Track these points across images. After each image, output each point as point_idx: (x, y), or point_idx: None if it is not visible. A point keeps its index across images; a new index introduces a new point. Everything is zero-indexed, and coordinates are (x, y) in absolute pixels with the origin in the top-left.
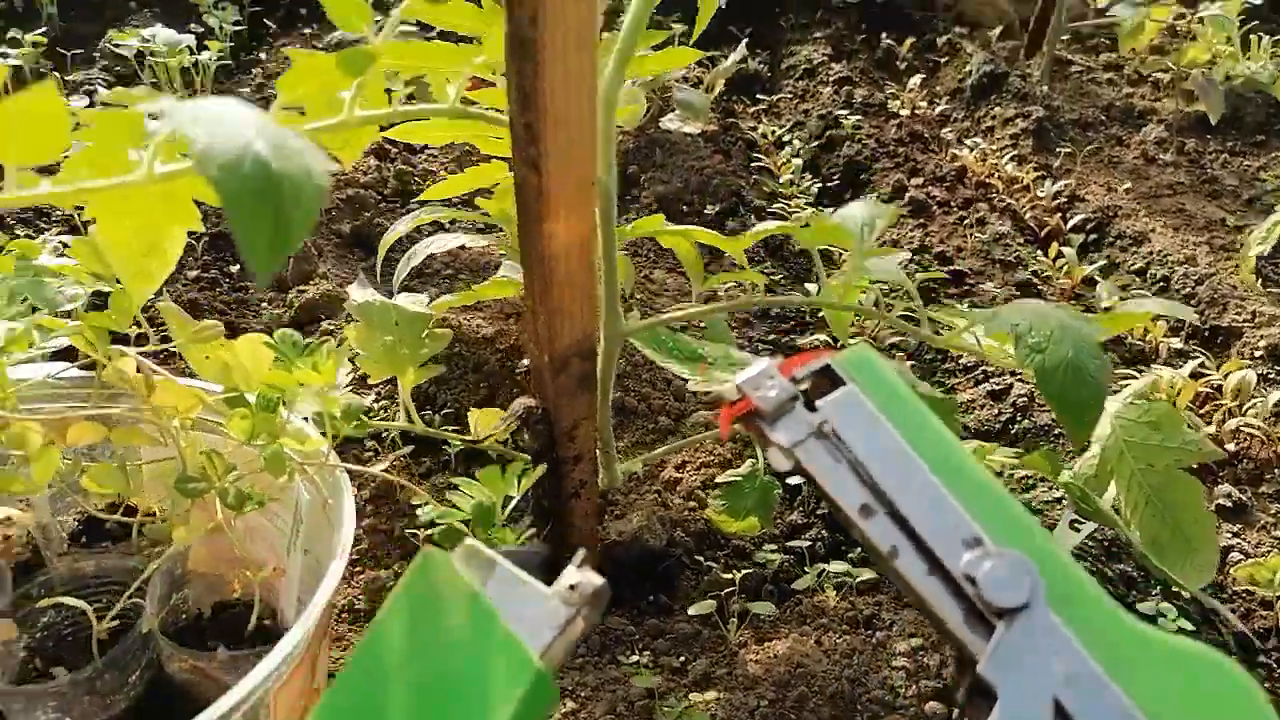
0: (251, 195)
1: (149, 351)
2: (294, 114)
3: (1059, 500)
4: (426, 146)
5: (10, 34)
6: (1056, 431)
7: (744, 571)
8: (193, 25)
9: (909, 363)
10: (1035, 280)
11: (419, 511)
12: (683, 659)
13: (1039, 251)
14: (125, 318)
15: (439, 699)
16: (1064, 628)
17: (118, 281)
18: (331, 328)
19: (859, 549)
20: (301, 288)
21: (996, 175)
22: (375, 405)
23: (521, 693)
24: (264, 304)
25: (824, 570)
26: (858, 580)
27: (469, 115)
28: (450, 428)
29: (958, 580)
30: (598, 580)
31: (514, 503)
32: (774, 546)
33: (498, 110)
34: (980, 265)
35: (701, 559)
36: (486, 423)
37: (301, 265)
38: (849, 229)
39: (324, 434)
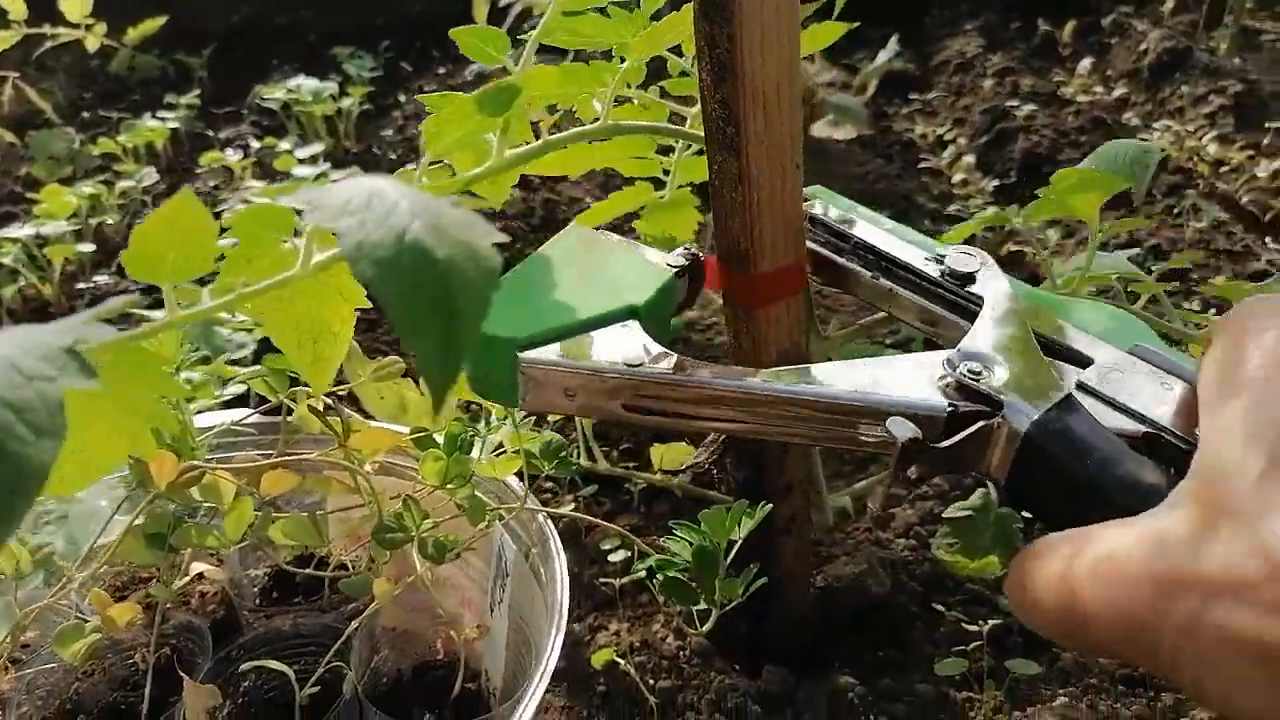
0: (412, 294)
1: (330, 393)
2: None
3: None
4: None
5: (166, 99)
6: None
7: (991, 623)
8: (332, 75)
9: None
10: (1273, 270)
11: (610, 557)
12: None
13: (1267, 239)
14: None
15: (595, 284)
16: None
17: None
18: None
19: None
20: None
21: (1199, 158)
22: None
23: (661, 284)
24: None
25: None
26: None
27: (622, 130)
28: (628, 463)
29: (931, 275)
30: (698, 254)
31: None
32: None
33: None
34: (1204, 258)
35: (935, 608)
36: (672, 459)
37: None
38: (1114, 176)
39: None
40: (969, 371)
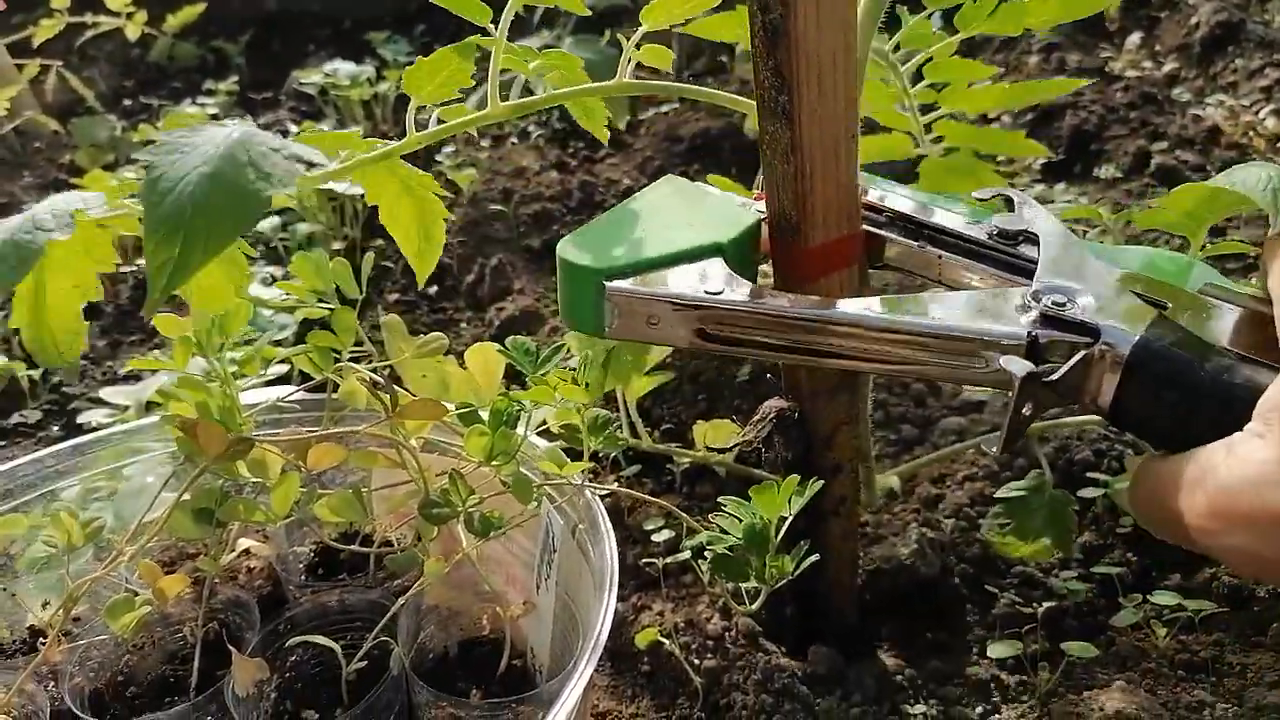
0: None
1: (375, 369)
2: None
3: None
4: (607, 155)
5: (205, 85)
6: None
7: (1045, 605)
8: (368, 60)
9: None
10: None
11: (654, 536)
12: (981, 710)
13: None
14: (349, 336)
15: (684, 223)
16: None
17: (339, 299)
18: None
19: (1179, 576)
20: (499, 305)
21: (1255, 133)
22: None
23: (748, 224)
24: (464, 324)
25: (1145, 601)
26: (1194, 615)
27: (636, 88)
28: (671, 444)
29: (977, 238)
30: None
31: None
32: (1073, 573)
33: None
34: (1261, 236)
35: (986, 589)
36: (717, 436)
37: (498, 282)
38: (1247, 194)
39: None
40: (1053, 303)
